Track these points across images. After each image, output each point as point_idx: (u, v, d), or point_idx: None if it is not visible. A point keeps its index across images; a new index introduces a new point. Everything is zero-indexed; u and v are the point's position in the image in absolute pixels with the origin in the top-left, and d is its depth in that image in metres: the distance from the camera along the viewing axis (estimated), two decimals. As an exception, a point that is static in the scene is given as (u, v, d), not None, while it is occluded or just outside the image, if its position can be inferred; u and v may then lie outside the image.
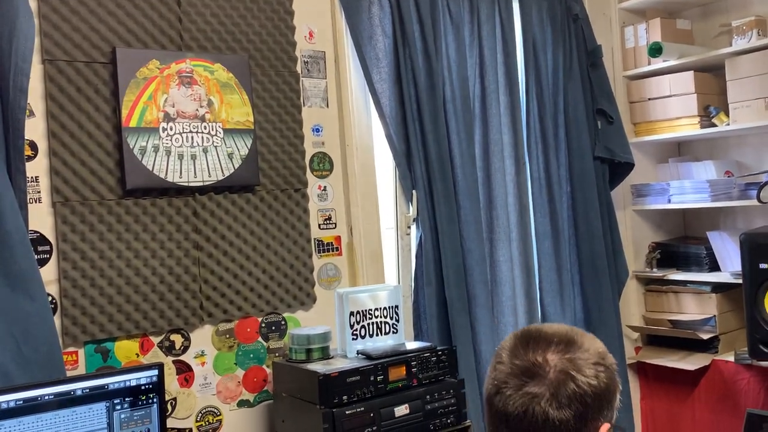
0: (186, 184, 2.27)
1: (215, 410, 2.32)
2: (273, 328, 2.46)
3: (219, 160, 2.32)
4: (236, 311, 2.37)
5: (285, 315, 2.49)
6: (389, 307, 2.39)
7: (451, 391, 2.25)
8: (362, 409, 2.07)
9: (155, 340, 2.23)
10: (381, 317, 2.37)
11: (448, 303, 2.70)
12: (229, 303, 2.35)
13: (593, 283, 3.11)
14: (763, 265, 2.37)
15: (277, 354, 2.44)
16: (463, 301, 2.74)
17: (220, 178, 2.33)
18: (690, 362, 3.17)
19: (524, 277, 2.98)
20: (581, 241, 3.13)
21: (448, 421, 2.23)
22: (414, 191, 2.71)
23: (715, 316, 3.16)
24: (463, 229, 2.78)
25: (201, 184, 2.30)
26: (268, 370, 2.42)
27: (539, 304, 3.04)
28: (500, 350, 1.18)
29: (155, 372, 1.78)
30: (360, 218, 2.66)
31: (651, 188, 3.42)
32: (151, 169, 2.21)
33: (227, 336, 2.36)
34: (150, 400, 1.78)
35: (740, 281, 3.02)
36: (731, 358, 3.06)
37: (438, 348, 2.30)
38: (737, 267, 3.15)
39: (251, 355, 2.41)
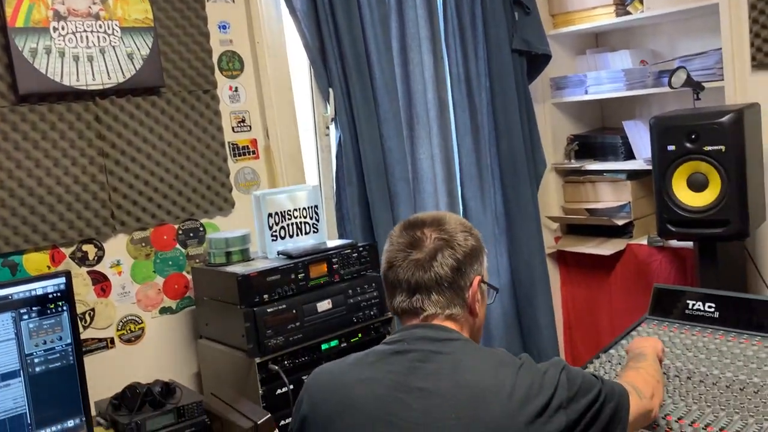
0: (84, 87, 2.14)
1: (137, 318, 2.30)
2: (191, 234, 2.41)
3: (118, 61, 2.20)
4: (150, 219, 2.31)
5: (203, 221, 2.44)
6: (308, 208, 2.37)
7: (373, 284, 2.28)
8: (284, 306, 2.08)
9: (66, 251, 2.16)
10: (300, 218, 2.35)
11: (370, 202, 2.70)
12: (142, 211, 2.29)
13: (512, 177, 3.16)
14: (670, 147, 2.44)
15: (197, 260, 2.41)
16: (384, 200, 2.74)
17: (121, 80, 2.21)
18: (606, 248, 3.30)
19: (445, 173, 3.00)
20: (500, 135, 3.14)
21: (371, 313, 2.27)
22: (330, 90, 2.65)
23: (630, 202, 3.27)
24: (383, 127, 2.74)
25: (101, 87, 2.17)
26: (189, 277, 2.39)
27: (460, 200, 3.08)
28: (390, 236, 1.41)
29: (62, 280, 1.73)
30: (276, 120, 2.59)
31: (569, 80, 3.44)
32: (44, 73, 2.07)
33: (143, 244, 2.31)
34: (59, 308, 1.73)
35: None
36: (645, 242, 3.20)
37: (359, 244, 2.31)
38: (650, 153, 3.25)
39: (170, 263, 2.37)
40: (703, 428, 1.54)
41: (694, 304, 2.03)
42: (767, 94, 2.65)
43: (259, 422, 1.72)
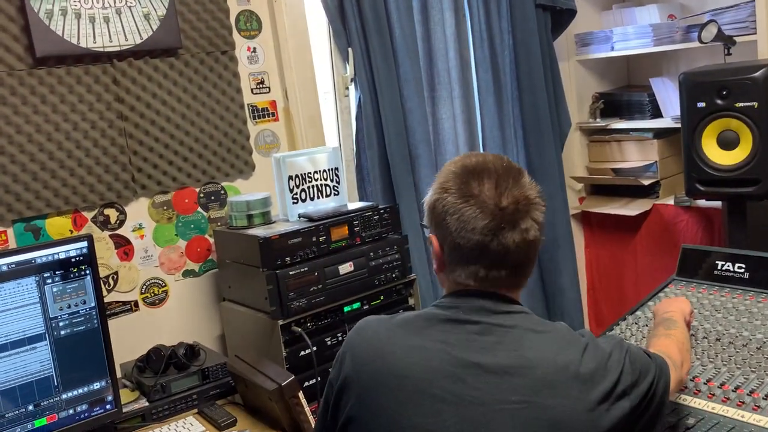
0: (101, 49, 2.12)
1: (160, 281, 2.31)
2: (212, 197, 2.40)
3: (135, 22, 2.16)
4: (171, 182, 2.30)
5: (224, 184, 2.43)
6: (329, 170, 2.34)
7: (395, 247, 2.26)
8: (306, 269, 2.07)
9: (88, 215, 2.16)
10: (321, 180, 2.32)
11: (391, 164, 2.67)
12: (163, 174, 2.28)
13: (536, 136, 3.10)
14: (700, 104, 2.36)
15: (219, 223, 2.40)
16: (405, 162, 2.70)
17: (138, 42, 2.18)
18: (632, 208, 3.25)
19: (467, 134, 2.95)
20: (524, 94, 3.08)
21: (393, 275, 2.26)
22: (350, 49, 2.60)
23: (656, 161, 3.21)
24: (403, 88, 2.69)
25: (118, 49, 2.15)
26: (211, 240, 2.39)
27: (483, 160, 3.02)
28: (477, 191, 1.20)
29: (84, 244, 1.72)
30: (295, 81, 2.54)
31: (594, 36, 3.35)
32: (61, 35, 2.04)
33: (165, 208, 2.30)
34: (83, 273, 1.73)
35: (680, 125, 3.06)
36: (671, 202, 3.14)
37: (380, 207, 2.29)
38: (678, 111, 3.17)
39: (192, 226, 2.36)
40: (732, 390, 1.52)
41: (723, 265, 1.99)
42: (802, 48, 2.56)
43: (283, 384, 1.72)
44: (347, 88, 2.67)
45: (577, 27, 3.34)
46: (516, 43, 3.04)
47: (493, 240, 1.19)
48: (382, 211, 2.26)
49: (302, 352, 2.06)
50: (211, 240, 2.38)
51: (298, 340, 2.06)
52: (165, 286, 2.32)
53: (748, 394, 1.49)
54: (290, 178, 2.25)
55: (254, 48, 2.48)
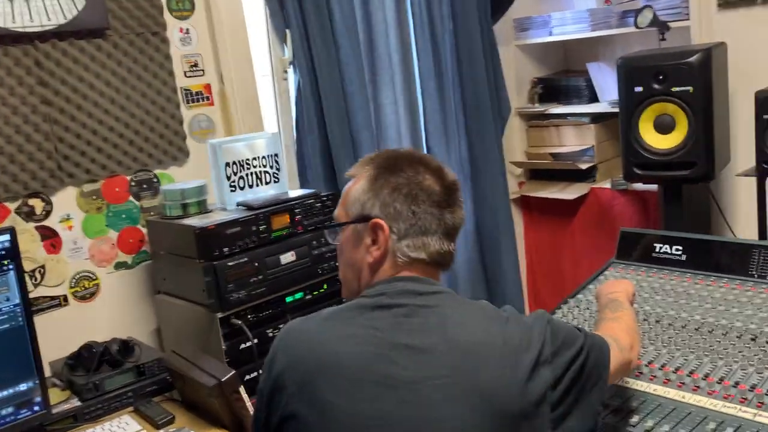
0: (21, 29, 1.98)
1: (90, 275, 2.20)
2: (145, 186, 2.30)
3: (58, 1, 2.04)
4: (100, 170, 2.19)
5: (157, 172, 2.33)
6: (268, 156, 2.27)
7: (338, 235, 2.21)
8: (245, 259, 2.00)
9: (11, 206, 2.03)
10: (260, 167, 2.25)
11: (333, 150, 2.61)
12: (91, 162, 2.16)
13: (477, 122, 3.09)
14: (638, 89, 2.39)
15: (152, 213, 2.30)
16: (347, 148, 2.65)
17: (62, 21, 2.05)
18: (570, 192, 3.29)
19: (409, 120, 2.91)
20: (464, 79, 3.06)
21: (337, 264, 2.20)
22: (287, 31, 2.52)
23: (593, 146, 3.25)
24: (344, 71, 2.63)
25: (40, 29, 2.02)
26: (144, 230, 2.29)
27: (425, 146, 3.00)
28: (422, 168, 1.29)
29: (6, 237, 1.61)
30: (230, 64, 2.46)
31: (533, 21, 3.36)
32: (-25, 13, 1.91)
33: (94, 197, 2.19)
34: (5, 267, 1.62)
35: (617, 109, 3.10)
36: (608, 185, 3.19)
37: (322, 194, 2.24)
38: (615, 96, 3.21)
39: (123, 216, 2.26)
40: (673, 371, 1.54)
41: (660, 247, 2.02)
42: (733, 34, 2.61)
43: (223, 379, 1.66)
44: (285, 72, 2.59)
45: (516, 11, 3.34)
46: (456, 28, 3.01)
47: (445, 212, 1.28)
48: (324, 198, 2.21)
49: (242, 345, 2.01)
50: (144, 230, 2.28)
51: (238, 332, 1.99)
52: (96, 279, 2.21)
53: (688, 375, 1.51)
54: (227, 164, 2.17)
55: (187, 29, 2.38)
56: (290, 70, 2.59)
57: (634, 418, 1.42)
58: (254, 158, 2.23)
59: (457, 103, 3.07)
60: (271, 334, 2.08)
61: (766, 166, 2.24)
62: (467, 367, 1.13)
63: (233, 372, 1.69)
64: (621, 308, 1.56)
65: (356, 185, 1.31)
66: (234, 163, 2.18)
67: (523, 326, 1.20)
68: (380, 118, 2.83)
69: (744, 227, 2.73)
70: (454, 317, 1.20)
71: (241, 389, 1.70)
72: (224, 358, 1.96)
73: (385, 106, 2.83)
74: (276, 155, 2.28)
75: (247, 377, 1.98)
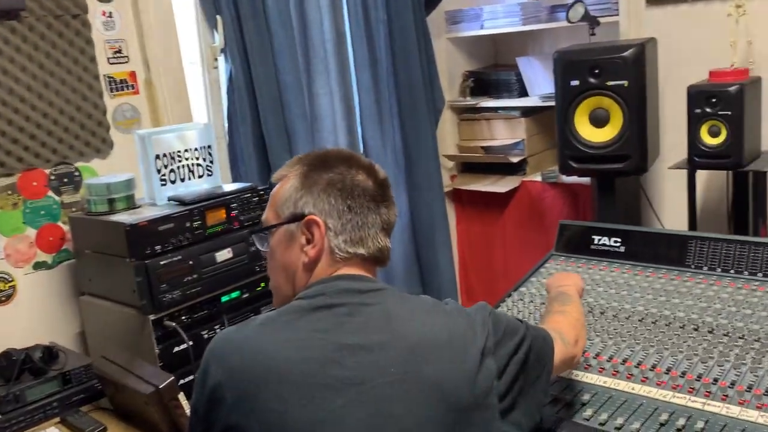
0: (-77, 7, 1.80)
1: (6, 276, 2.03)
2: (65, 180, 2.15)
3: (-35, -23, 1.86)
4: (16, 163, 2.02)
5: (78, 165, 2.17)
6: (201, 148, 2.16)
7: (276, 230, 2.13)
8: (179, 257, 1.90)
9: None
10: (192, 159, 2.14)
11: (266, 141, 2.53)
12: (6, 154, 2.00)
13: (412, 114, 3.07)
14: (574, 82, 2.41)
15: (74, 209, 2.15)
16: (282, 139, 2.57)
17: (-29, -1, 1.88)
18: (501, 185, 3.31)
19: (344, 111, 2.85)
20: (399, 71, 3.02)
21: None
22: (218, 17, 2.41)
23: (524, 139, 3.28)
24: (278, 60, 2.54)
25: (-55, 7, 1.84)
26: (66, 227, 2.13)
27: (360, 138, 2.95)
28: (352, 180, 1.24)
29: None
30: (157, 50, 2.32)
31: (464, 14, 3.35)
32: None
33: (9, 192, 2.02)
34: None
35: (548, 104, 3.14)
36: (539, 178, 3.23)
37: (259, 187, 2.15)
38: (544, 90, 3.26)
39: (42, 212, 2.10)
40: (621, 363, 1.54)
41: (599, 239, 2.04)
42: (662, 30, 2.68)
43: (161, 386, 1.55)
44: (216, 59, 2.48)
45: (448, 4, 3.33)
46: (390, 18, 2.97)
47: (381, 206, 1.25)
48: (261, 192, 2.12)
49: (176, 348, 1.90)
50: (66, 228, 2.13)
51: (172, 334, 1.89)
52: (12, 281, 2.04)
53: (635, 366, 1.52)
54: (157, 157, 2.05)
55: (110, 12, 2.23)
56: (221, 57, 2.48)
57: (588, 412, 1.42)
58: (186, 150, 2.12)
59: (392, 94, 3.03)
60: (206, 336, 1.98)
61: (697, 160, 2.31)
62: (416, 363, 1.10)
63: (172, 378, 1.59)
64: (569, 301, 1.55)
65: (286, 185, 1.26)
66: (164, 155, 2.06)
67: (467, 318, 1.19)
68: (315, 109, 2.76)
69: (672, 219, 2.82)
70: (398, 313, 1.17)
71: (181, 396, 1.60)
72: (157, 363, 1.85)
73: (319, 96, 2.75)
74: (209, 147, 2.17)
75: (182, 381, 1.87)
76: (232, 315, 2.04)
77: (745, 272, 1.79)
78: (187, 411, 1.62)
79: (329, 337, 1.12)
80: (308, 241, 1.22)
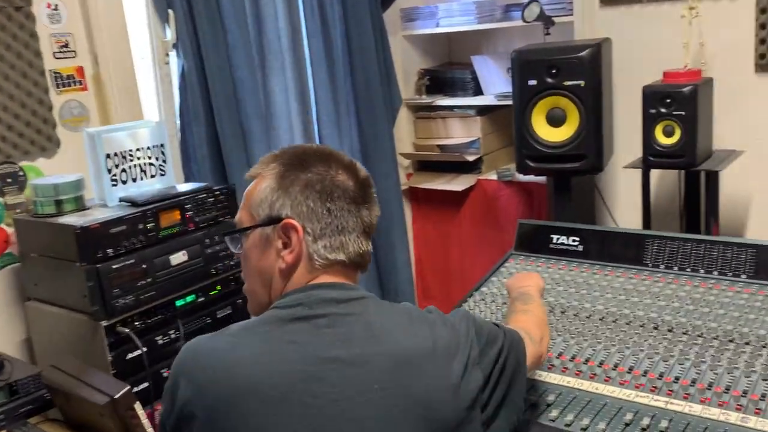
0: None
1: (-55, 283, 1.93)
2: (9, 180, 2.05)
3: None
4: (-45, 162, 1.92)
5: (22, 164, 2.08)
6: (153, 147, 2.09)
7: (233, 231, 2.08)
8: (132, 261, 1.83)
9: None
10: (144, 158, 2.06)
11: (221, 140, 2.46)
12: (-56, 153, 1.89)
13: (369, 112, 3.04)
14: (531, 82, 2.42)
15: (18, 210, 2.05)
16: (237, 138, 2.51)
17: None
18: (457, 183, 3.31)
19: (301, 108, 2.81)
20: (356, 68, 2.99)
21: (232, 263, 2.08)
22: (170, 11, 2.33)
23: (479, 138, 3.29)
24: (232, 56, 2.48)
25: None
26: (10, 230, 2.03)
27: (317, 136, 2.91)
28: (332, 180, 1.18)
29: None
30: (106, 45, 2.23)
31: (420, 12, 3.34)
32: None
33: (-53, 193, 1.92)
34: None
35: (503, 103, 3.16)
36: (494, 177, 3.24)
37: (215, 188, 2.09)
38: (499, 89, 3.27)
39: (-16, 214, 2.00)
40: (584, 362, 1.55)
41: (558, 238, 2.06)
42: (615, 30, 2.71)
43: (116, 396, 1.49)
44: (168, 55, 2.41)
45: (403, 1, 3.31)
46: (346, 14, 2.93)
47: (361, 208, 1.19)
48: (217, 192, 2.07)
49: (130, 355, 1.83)
50: (10, 230, 2.03)
51: (125, 341, 1.82)
52: (-48, 286, 1.94)
53: (598, 366, 1.53)
54: (108, 156, 1.97)
55: (56, 5, 2.14)
56: (173, 53, 2.40)
57: (553, 413, 1.42)
58: (138, 149, 2.04)
59: (349, 92, 3.00)
60: (161, 342, 1.92)
61: (652, 159, 2.34)
62: (399, 378, 1.06)
63: (127, 387, 1.52)
64: (531, 301, 1.56)
65: (261, 185, 1.19)
66: (115, 154, 1.98)
67: (451, 328, 1.15)
68: (270, 107, 2.70)
69: (625, 217, 2.87)
70: (381, 324, 1.12)
71: (137, 405, 1.54)
72: (110, 370, 1.78)
73: (275, 94, 2.70)
74: (162, 146, 2.10)
75: (136, 389, 1.81)
76: (187, 320, 1.98)
77: (701, 270, 1.82)
78: (144, 421, 1.56)
79: (308, 350, 1.06)
80: (285, 246, 1.16)
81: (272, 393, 1.03)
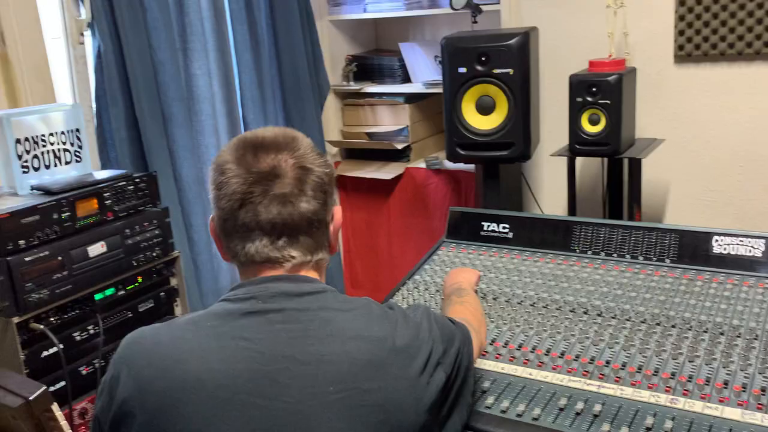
0: None
1: None
2: None
3: None
4: None
5: None
6: (68, 132, 1.96)
7: (155, 221, 1.99)
8: (46, 253, 1.71)
9: None
10: (58, 144, 1.94)
11: (140, 125, 2.35)
12: None
13: (296, 98, 2.97)
14: (461, 69, 2.42)
15: None
16: (158, 122, 2.40)
17: None
18: (386, 172, 3.29)
19: (225, 93, 2.71)
20: (282, 52, 2.92)
21: (154, 254, 1.99)
22: (84, -12, 2.20)
23: (408, 126, 3.27)
24: (152, 37, 2.37)
25: None
26: None
27: (242, 122, 2.82)
28: (223, 165, 1.11)
29: None
30: (14, 22, 2.09)
31: (339, -5, 3.29)
32: None
33: None
34: None
35: (431, 91, 3.15)
36: (423, 165, 3.23)
37: (135, 175, 1.99)
38: (427, 77, 3.26)
39: None
40: (517, 348, 1.56)
41: (489, 226, 2.06)
42: (541, 19, 2.74)
43: (31, 398, 1.38)
44: (82, 35, 2.27)
45: (330, -15, 3.25)
46: (271, -4, 2.86)
47: (241, 209, 1.10)
48: (137, 180, 1.97)
49: (45, 353, 1.73)
50: None
51: (40, 338, 1.72)
52: None
53: (531, 351, 1.54)
54: (18, 141, 1.84)
55: (-44, -23, 1.98)
56: (87, 33, 2.27)
57: (489, 400, 1.41)
58: (51, 134, 1.92)
59: (275, 76, 2.92)
60: (78, 338, 1.81)
61: (578, 147, 2.38)
62: (357, 379, 1.00)
63: (44, 388, 1.42)
64: (466, 294, 1.58)
65: None
66: (26, 139, 1.86)
67: (413, 326, 1.10)
68: (193, 91, 2.60)
69: (550, 204, 2.92)
70: (340, 321, 1.06)
71: (54, 407, 1.44)
72: (23, 370, 1.67)
73: (197, 77, 2.60)
74: (77, 130, 1.98)
75: (52, 388, 1.71)
76: (107, 314, 1.89)
77: (627, 255, 1.86)
78: (62, 422, 1.47)
79: (261, 347, 1.00)
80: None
81: (218, 393, 0.97)
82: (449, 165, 3.05)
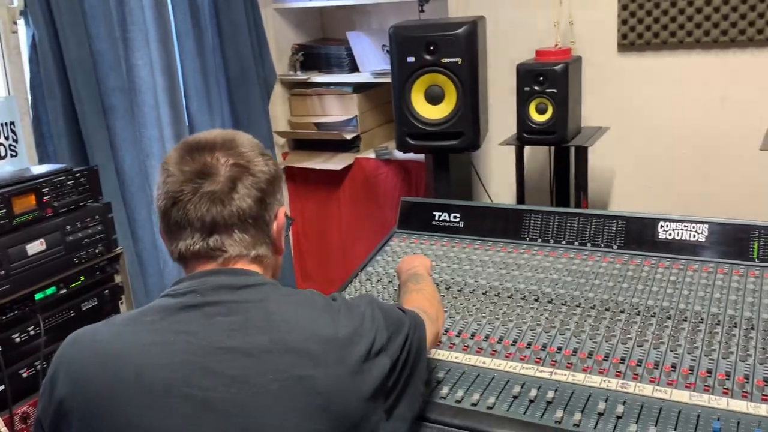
0: None
1: None
2: None
3: None
4: None
5: None
6: (2, 124, 1.88)
7: (97, 217, 1.92)
8: (-19, 252, 1.64)
9: None
10: (-9, 137, 1.85)
11: (80, 117, 2.27)
12: None
13: (241, 88, 2.92)
14: (410, 59, 2.40)
15: None
16: (98, 114, 2.32)
17: None
18: (335, 162, 3.26)
19: (167, 83, 2.63)
20: (226, 41, 2.85)
21: (96, 251, 1.92)
22: (16, -26, 2.10)
23: (356, 116, 3.25)
24: (90, 26, 2.28)
25: None
26: None
27: (185, 113, 2.75)
28: (166, 164, 1.14)
29: None
30: (-61, 9, 1.98)
31: (292, -16, 3.24)
32: None
33: None
34: None
35: (380, 80, 3.13)
36: (372, 155, 3.22)
37: (75, 169, 1.91)
38: (375, 66, 3.24)
39: None
40: (470, 337, 1.56)
41: (440, 215, 2.07)
42: (488, 9, 2.75)
43: (-33, 405, 1.33)
44: (15, 23, 2.17)
45: (274, -27, 3.19)
46: (214, -17, 2.79)
47: (173, 207, 1.11)
48: (78, 174, 1.90)
49: (-19, 357, 1.65)
50: None
51: (-24, 341, 1.64)
52: None
53: (484, 340, 1.55)
54: (-53, 135, 1.75)
55: None
56: (21, 21, 2.17)
57: (444, 390, 1.41)
58: (-17, 127, 1.83)
59: (219, 66, 2.86)
60: (18, 340, 1.74)
61: (527, 136, 2.40)
62: (299, 370, 1.00)
63: (-20, 394, 1.36)
64: (422, 280, 1.57)
65: None
66: (-44, 133, 1.77)
67: (356, 316, 1.10)
68: (134, 81, 2.51)
69: (499, 193, 2.94)
70: (281, 312, 1.06)
71: (-8, 414, 1.38)
72: (-42, 375, 1.59)
73: (139, 68, 2.51)
74: (12, 123, 1.89)
75: (-9, 394, 1.64)
76: (48, 314, 1.82)
77: (576, 243, 1.89)
78: (2, 428, 1.41)
79: (199, 340, 1.00)
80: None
81: (156, 387, 0.96)
82: (399, 155, 3.05)
